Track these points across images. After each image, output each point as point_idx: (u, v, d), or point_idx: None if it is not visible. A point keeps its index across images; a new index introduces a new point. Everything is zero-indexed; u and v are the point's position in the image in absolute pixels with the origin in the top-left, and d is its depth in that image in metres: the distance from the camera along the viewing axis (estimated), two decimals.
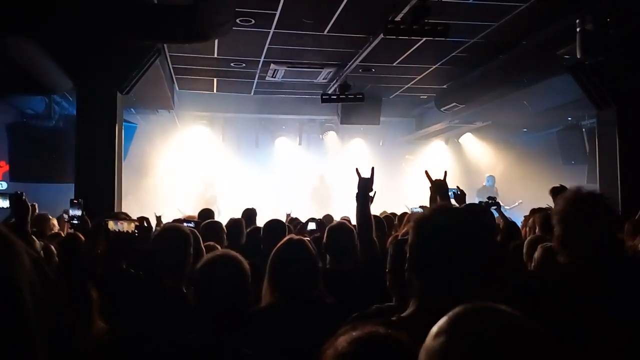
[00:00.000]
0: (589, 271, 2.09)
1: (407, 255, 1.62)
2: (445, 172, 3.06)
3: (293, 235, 2.90)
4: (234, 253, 2.39)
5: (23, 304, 0.80)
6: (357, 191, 3.12)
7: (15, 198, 3.39)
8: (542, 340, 0.88)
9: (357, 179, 3.14)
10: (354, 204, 3.11)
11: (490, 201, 5.70)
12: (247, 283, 2.28)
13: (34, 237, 3.76)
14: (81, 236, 3.92)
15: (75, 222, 4.30)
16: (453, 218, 1.63)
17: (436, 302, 1.45)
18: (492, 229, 1.71)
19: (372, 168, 3.17)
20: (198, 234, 3.53)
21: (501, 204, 11.74)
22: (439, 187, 2.97)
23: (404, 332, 1.12)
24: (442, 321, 0.93)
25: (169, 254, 2.91)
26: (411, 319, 1.53)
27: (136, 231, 3.01)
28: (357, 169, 3.21)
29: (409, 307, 1.59)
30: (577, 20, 5.88)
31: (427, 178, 3.10)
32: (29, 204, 3.39)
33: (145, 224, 3.08)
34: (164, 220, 6.45)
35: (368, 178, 3.14)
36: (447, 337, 0.89)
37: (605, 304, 1.95)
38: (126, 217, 3.26)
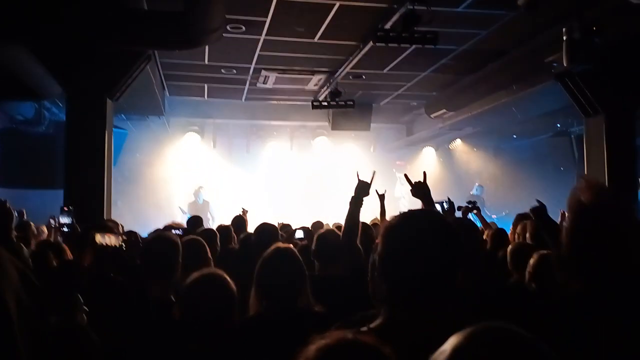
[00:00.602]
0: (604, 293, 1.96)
1: (377, 263, 1.58)
2: (424, 173, 3.01)
3: (280, 244, 2.90)
4: (219, 272, 2.39)
5: (6, 313, 0.81)
6: (353, 194, 3.18)
7: None
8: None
9: (356, 182, 3.22)
10: (346, 208, 3.17)
11: (469, 205, 5.68)
12: (233, 303, 2.29)
13: (21, 244, 3.72)
14: (66, 247, 3.89)
15: (66, 229, 4.28)
16: (419, 226, 1.56)
17: (403, 313, 1.48)
18: (460, 235, 1.62)
19: (374, 172, 3.26)
20: (203, 241, 3.52)
21: (487, 212, 11.85)
22: (419, 189, 2.94)
23: (371, 336, 1.12)
24: (454, 339, 0.93)
25: (156, 263, 2.90)
26: (380, 329, 1.48)
27: (124, 245, 3.01)
28: (357, 172, 3.28)
29: (379, 316, 1.54)
30: (564, 29, 5.95)
31: (406, 181, 3.09)
32: (13, 211, 3.36)
33: (134, 239, 3.07)
34: (161, 223, 6.41)
35: (366, 182, 3.21)
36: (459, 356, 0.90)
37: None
38: (113, 226, 3.24)
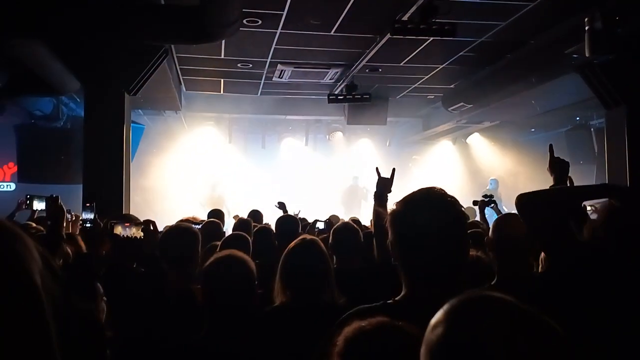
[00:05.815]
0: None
1: (390, 249, 1.68)
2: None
3: (306, 235, 2.88)
4: (239, 253, 2.39)
5: (37, 292, 0.81)
6: (375, 190, 3.16)
7: (51, 201, 3.40)
8: (541, 326, 0.88)
9: (376, 179, 3.19)
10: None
11: (486, 199, 5.64)
12: (253, 283, 2.29)
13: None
14: (79, 238, 3.94)
15: (88, 225, 4.33)
16: (423, 208, 1.64)
17: (422, 290, 1.60)
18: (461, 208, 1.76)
19: (393, 169, 3.21)
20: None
21: (504, 208, 11.75)
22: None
23: (410, 325, 1.13)
24: (439, 313, 0.93)
25: (176, 253, 2.90)
26: (402, 302, 1.62)
27: (142, 234, 3.01)
28: (377, 168, 3.25)
29: (401, 292, 1.66)
30: (586, 19, 5.84)
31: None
32: (64, 208, 3.41)
33: (152, 227, 3.07)
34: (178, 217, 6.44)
35: (387, 178, 3.17)
36: (444, 328, 0.89)
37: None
38: (134, 220, 3.24)
